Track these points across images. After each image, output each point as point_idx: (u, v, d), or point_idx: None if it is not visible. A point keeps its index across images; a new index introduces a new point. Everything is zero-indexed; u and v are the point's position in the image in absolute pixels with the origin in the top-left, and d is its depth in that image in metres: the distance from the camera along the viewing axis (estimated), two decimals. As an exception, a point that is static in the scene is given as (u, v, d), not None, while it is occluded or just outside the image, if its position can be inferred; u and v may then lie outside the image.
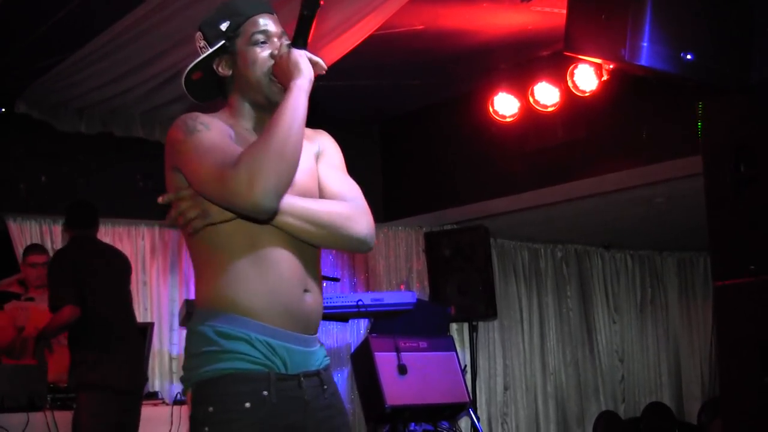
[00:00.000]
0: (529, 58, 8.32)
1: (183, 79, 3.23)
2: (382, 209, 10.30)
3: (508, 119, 8.57)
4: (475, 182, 9.41)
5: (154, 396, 7.91)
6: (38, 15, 6.95)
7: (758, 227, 5.52)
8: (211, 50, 3.14)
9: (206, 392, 2.96)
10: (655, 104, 7.75)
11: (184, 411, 7.48)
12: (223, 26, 3.14)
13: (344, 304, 8.16)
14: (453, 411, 8.07)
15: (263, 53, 3.11)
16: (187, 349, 3.08)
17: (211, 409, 2.94)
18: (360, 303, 8.08)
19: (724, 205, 5.72)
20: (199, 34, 3.21)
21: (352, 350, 8.91)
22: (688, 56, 5.29)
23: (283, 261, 3.02)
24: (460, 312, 9.52)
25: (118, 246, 9.05)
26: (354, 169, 9.95)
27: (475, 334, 9.82)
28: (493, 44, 8.04)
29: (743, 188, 5.59)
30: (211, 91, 3.28)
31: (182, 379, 3.08)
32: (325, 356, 3.18)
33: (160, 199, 2.99)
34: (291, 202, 2.98)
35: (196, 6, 6.59)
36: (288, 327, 3.01)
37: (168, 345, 9.35)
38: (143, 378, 7.32)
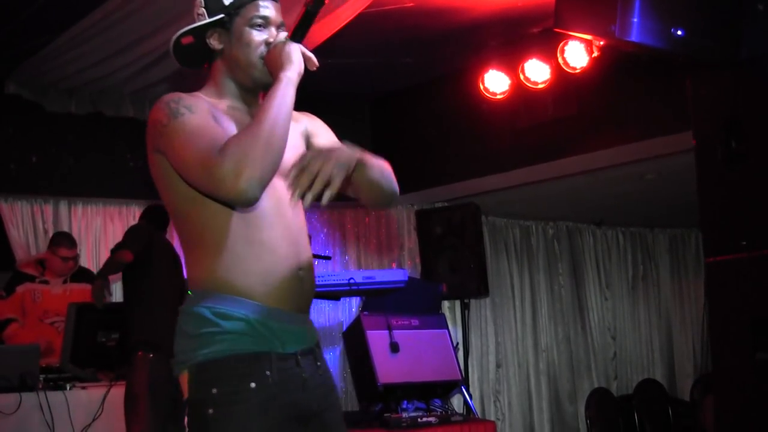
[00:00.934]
0: (520, 35, 8.30)
1: (172, 42, 3.23)
2: (373, 187, 10.28)
3: (498, 96, 8.56)
4: (465, 160, 9.40)
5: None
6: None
7: (749, 203, 5.52)
8: (208, 20, 3.15)
9: (209, 374, 2.96)
10: (645, 80, 7.74)
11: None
12: (227, 1, 3.15)
13: (336, 282, 8.16)
14: (445, 389, 8.08)
15: (259, 37, 3.15)
16: (181, 330, 3.06)
17: (215, 390, 2.94)
18: (351, 281, 8.08)
19: (715, 181, 5.72)
20: (199, 0, 3.21)
21: (344, 328, 8.92)
22: (679, 32, 5.28)
23: (278, 241, 3.05)
24: (451, 290, 9.51)
25: (109, 226, 9.07)
26: (345, 147, 9.67)
27: (467, 311, 9.82)
28: (483, 21, 8.03)
29: (734, 164, 5.59)
30: (198, 59, 3.28)
31: (175, 362, 3.05)
32: (315, 332, 3.23)
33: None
34: (369, 158, 3.12)
35: (185, -16, 6.58)
36: (284, 306, 3.04)
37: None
38: None
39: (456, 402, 9.26)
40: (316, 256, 8.05)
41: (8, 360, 6.77)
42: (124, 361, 7.08)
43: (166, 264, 7.34)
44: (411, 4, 7.61)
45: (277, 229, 3.07)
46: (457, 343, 8.98)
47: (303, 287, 3.12)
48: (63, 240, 8.22)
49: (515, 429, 11.22)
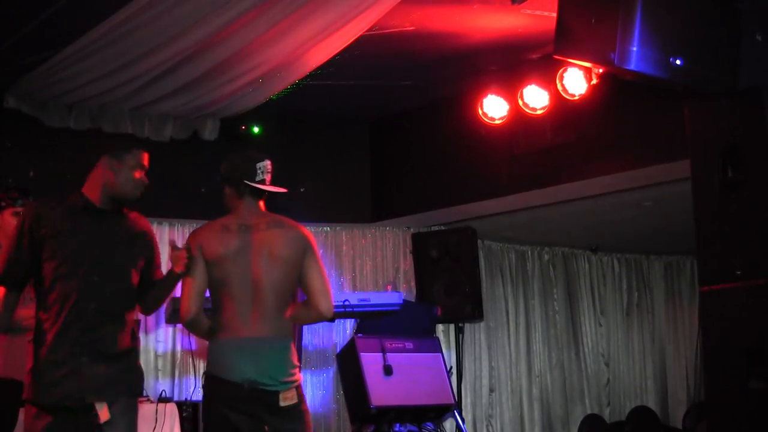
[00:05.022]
0: (519, 60, 8.34)
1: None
2: (370, 209, 10.30)
3: (497, 121, 8.58)
4: (463, 184, 9.41)
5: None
6: (29, 10, 6.94)
7: (745, 232, 5.53)
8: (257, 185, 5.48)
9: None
10: (643, 108, 7.76)
11: (169, 408, 7.48)
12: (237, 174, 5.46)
13: (331, 303, 8.15)
14: (438, 412, 8.08)
15: None
16: (291, 361, 5.24)
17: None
18: (346, 303, 8.08)
19: (712, 210, 5.73)
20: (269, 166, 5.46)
21: (338, 350, 8.92)
22: (678, 61, 5.31)
23: None
24: (446, 313, 9.52)
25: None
26: (343, 169, 10.05)
27: (461, 335, 9.83)
28: (483, 46, 8.05)
29: (730, 193, 5.61)
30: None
31: (293, 381, 5.20)
32: None
33: None
34: None
35: (186, 4, 6.60)
36: None
37: (154, 342, 9.34)
38: None
39: (448, 426, 9.25)
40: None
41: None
42: None
43: None
44: (411, 28, 7.63)
45: None
46: (451, 367, 8.98)
47: None
48: None
49: (507, 454, 11.22)
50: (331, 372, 10.06)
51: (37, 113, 8.76)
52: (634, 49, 5.14)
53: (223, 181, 5.53)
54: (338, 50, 7.35)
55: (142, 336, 8.83)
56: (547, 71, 7.99)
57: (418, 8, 7.31)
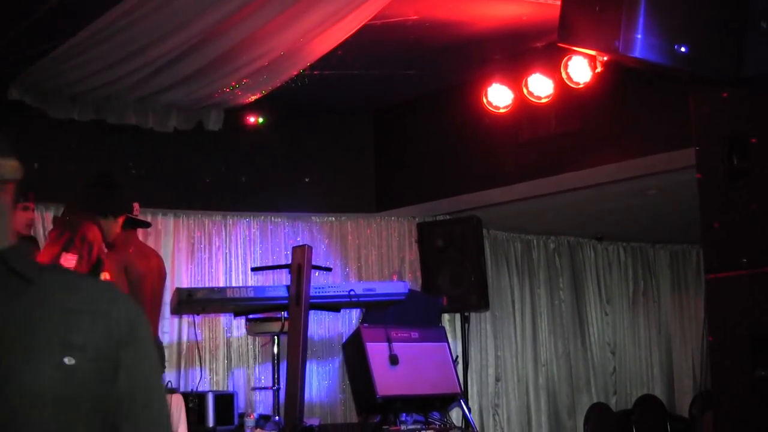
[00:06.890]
0: (524, 49, 8.32)
1: None
2: (375, 199, 10.30)
3: (501, 110, 8.57)
4: (468, 173, 9.40)
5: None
6: (33, 1, 6.94)
7: (751, 220, 5.52)
8: None
9: None
10: (648, 96, 7.75)
11: (175, 399, 7.49)
12: None
13: (336, 293, 8.16)
14: (444, 402, 8.07)
15: None
16: None
17: None
18: (352, 293, 8.08)
19: (717, 198, 5.71)
20: None
21: (344, 340, 8.92)
22: (682, 49, 5.28)
23: None
24: (452, 303, 9.51)
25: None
26: (348, 159, 10.08)
27: (467, 325, 9.83)
28: (487, 35, 8.04)
29: (736, 181, 5.59)
30: None
31: None
32: None
33: None
34: None
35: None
36: None
37: (159, 333, 9.34)
38: None
39: (455, 415, 9.24)
40: (316, 267, 8.09)
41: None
42: None
43: None
44: (415, 17, 7.62)
45: None
46: (457, 357, 8.97)
47: None
48: None
49: (513, 443, 11.22)
50: (337, 362, 10.07)
51: (40, 105, 8.76)
52: (639, 36, 5.12)
53: (124, 212, 6.49)
54: (342, 40, 7.34)
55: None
56: (551, 59, 7.98)
57: (421, -3, 7.31)
